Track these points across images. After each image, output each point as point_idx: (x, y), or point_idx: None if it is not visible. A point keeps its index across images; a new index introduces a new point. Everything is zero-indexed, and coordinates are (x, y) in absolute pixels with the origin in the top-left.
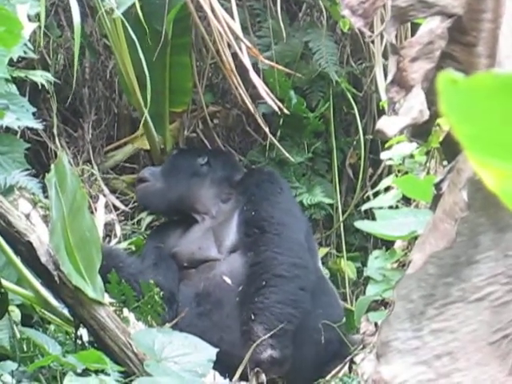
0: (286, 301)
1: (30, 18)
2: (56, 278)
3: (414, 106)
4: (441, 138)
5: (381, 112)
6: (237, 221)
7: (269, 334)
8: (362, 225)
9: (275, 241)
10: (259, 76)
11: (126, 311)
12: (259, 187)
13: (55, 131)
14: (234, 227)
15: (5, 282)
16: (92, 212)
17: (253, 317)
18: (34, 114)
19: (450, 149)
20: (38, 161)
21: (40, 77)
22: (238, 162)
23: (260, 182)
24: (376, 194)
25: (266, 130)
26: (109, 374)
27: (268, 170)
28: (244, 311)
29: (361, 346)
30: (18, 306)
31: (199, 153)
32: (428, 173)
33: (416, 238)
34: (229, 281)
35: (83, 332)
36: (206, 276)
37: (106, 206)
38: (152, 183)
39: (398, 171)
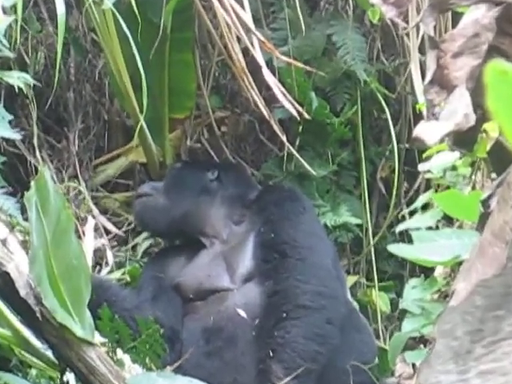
0: (310, 335)
1: (4, 11)
2: (38, 315)
3: (457, 110)
4: (488, 147)
5: (418, 117)
6: (252, 245)
7: (290, 376)
8: (397, 249)
9: (298, 267)
10: (274, 75)
11: (119, 352)
12: (279, 206)
13: (35, 142)
14: (248, 252)
15: None
16: (79, 236)
17: (271, 354)
18: (10, 122)
19: (500, 159)
20: (16, 177)
21: (17, 79)
22: (252, 178)
23: (279, 201)
24: (412, 213)
25: (283, 138)
26: None
27: (288, 187)
28: (261, 348)
29: None
30: None
31: (208, 166)
32: (473, 187)
33: (460, 263)
34: (243, 314)
35: (70, 377)
36: (217, 309)
37: (96, 229)
38: (154, 198)
39: (438, 186)
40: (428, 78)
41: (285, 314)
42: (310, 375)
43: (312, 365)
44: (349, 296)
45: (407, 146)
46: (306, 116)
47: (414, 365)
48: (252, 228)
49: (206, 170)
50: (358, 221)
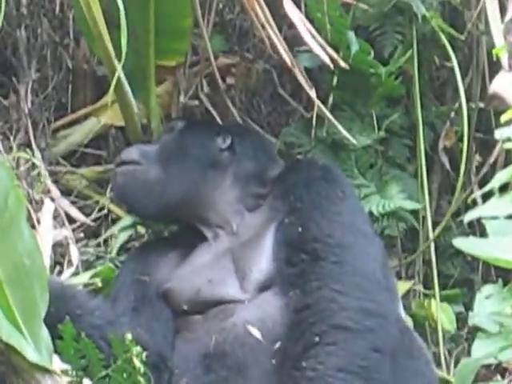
0: (350, 368)
1: None
2: None
3: None
4: None
5: (495, 65)
6: (272, 241)
7: None
8: (465, 244)
9: (334, 273)
10: (299, 8)
11: (87, 383)
12: (309, 189)
13: None
14: (266, 250)
15: None
16: (33, 226)
17: None
18: None
19: None
20: None
21: None
22: (274, 149)
23: (310, 182)
24: (487, 196)
25: (312, 94)
26: None
27: (322, 164)
28: (285, 382)
29: None
30: None
31: (217, 130)
32: None
33: None
34: (257, 334)
35: None
36: (220, 326)
37: (56, 216)
38: (143, 168)
39: None
40: (511, 12)
41: (317, 338)
42: None
43: None
44: (401, 310)
45: (480, 105)
46: (343, 64)
47: None
48: (272, 217)
49: (216, 135)
50: (414, 206)
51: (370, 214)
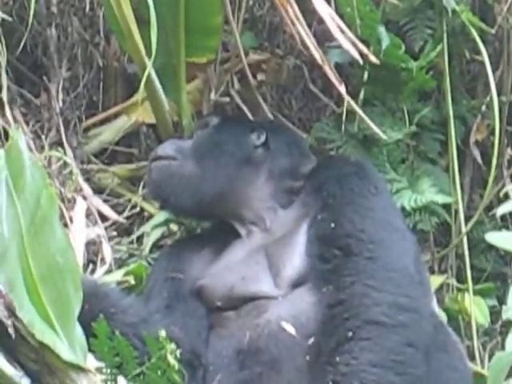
0: (385, 363)
1: None
2: (10, 331)
3: None
4: None
5: None
6: (305, 237)
7: None
8: (498, 238)
9: (368, 269)
10: (329, 4)
11: (121, 381)
12: (342, 185)
13: (4, 96)
14: (299, 247)
15: None
16: (66, 225)
17: None
18: None
19: None
20: None
21: None
22: (306, 145)
23: (342, 178)
24: None
25: (342, 89)
26: None
27: (354, 160)
28: (318, 378)
29: None
30: None
31: (251, 126)
32: None
33: None
34: (291, 330)
35: None
36: (254, 322)
37: (88, 214)
38: (179, 163)
39: None
40: None
41: (351, 333)
42: None
43: None
44: (434, 305)
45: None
46: (373, 59)
47: None
48: (305, 214)
49: (250, 132)
50: (446, 200)
51: (402, 208)
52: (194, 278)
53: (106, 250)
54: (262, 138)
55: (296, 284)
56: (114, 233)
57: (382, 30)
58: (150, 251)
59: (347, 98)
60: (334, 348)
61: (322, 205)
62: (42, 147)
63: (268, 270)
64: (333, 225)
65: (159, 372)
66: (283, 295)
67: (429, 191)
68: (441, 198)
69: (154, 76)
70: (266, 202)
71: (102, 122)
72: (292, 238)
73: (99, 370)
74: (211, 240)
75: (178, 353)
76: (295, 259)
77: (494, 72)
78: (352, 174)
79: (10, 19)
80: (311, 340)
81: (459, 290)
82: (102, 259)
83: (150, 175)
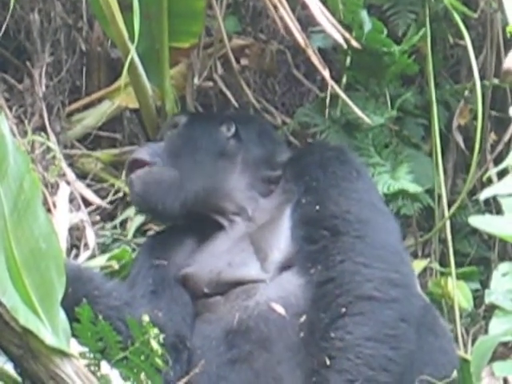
0: (379, 336)
1: None
2: None
3: None
4: None
5: (509, 43)
6: (289, 221)
7: None
8: (481, 222)
9: (356, 247)
10: None
11: (105, 366)
12: (325, 169)
13: None
14: (285, 231)
15: None
16: (49, 210)
17: (328, 362)
18: None
19: None
20: None
21: None
22: (278, 134)
23: (325, 162)
24: (502, 174)
25: (325, 74)
26: None
27: (335, 145)
28: (313, 354)
29: None
30: None
31: (220, 119)
32: None
33: None
34: (280, 309)
35: None
36: (243, 305)
37: (72, 199)
38: (157, 169)
39: None
40: None
41: (344, 309)
42: None
43: (384, 376)
44: (418, 288)
45: (495, 82)
46: (356, 44)
47: (505, 380)
48: (287, 199)
49: (219, 125)
50: (428, 185)
51: (383, 192)
52: (178, 266)
53: (90, 235)
54: (232, 130)
55: (283, 267)
56: (98, 218)
57: (364, 14)
58: (134, 236)
59: (331, 82)
60: (328, 324)
61: (304, 189)
62: (25, 132)
63: (254, 256)
64: (318, 207)
65: (143, 357)
66: (271, 278)
67: (404, 178)
68: (412, 187)
69: (137, 61)
70: (246, 193)
71: (86, 107)
72: (276, 223)
73: (83, 354)
74: (194, 229)
75: (161, 337)
76: (281, 243)
77: (477, 56)
78: (334, 159)
79: None
80: (303, 318)
81: (442, 274)
82: (86, 244)
83: (133, 188)
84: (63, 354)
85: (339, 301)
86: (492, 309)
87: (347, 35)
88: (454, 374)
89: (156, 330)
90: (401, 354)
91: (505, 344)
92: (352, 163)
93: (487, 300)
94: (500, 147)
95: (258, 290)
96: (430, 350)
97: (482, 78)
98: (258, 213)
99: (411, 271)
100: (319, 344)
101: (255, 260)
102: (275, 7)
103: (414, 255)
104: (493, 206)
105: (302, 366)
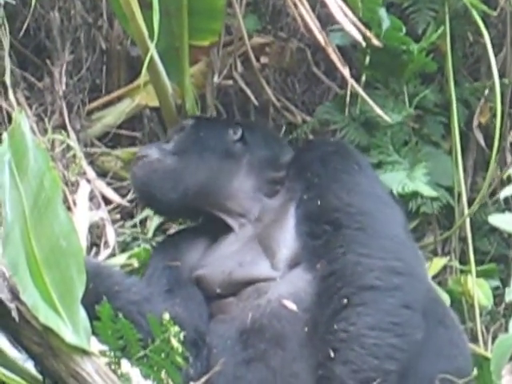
0: (382, 325)
1: None
2: (14, 314)
3: None
4: None
5: None
6: (294, 219)
7: (362, 381)
8: (501, 221)
9: (358, 238)
10: None
11: (125, 364)
12: (325, 164)
13: (8, 80)
14: (291, 229)
15: None
16: (69, 208)
17: (332, 354)
18: None
19: None
20: None
21: None
22: (283, 138)
23: (325, 157)
24: None
25: (345, 72)
26: None
27: (335, 141)
28: (318, 348)
29: None
30: None
31: (227, 124)
32: None
33: None
34: (292, 306)
35: None
36: (255, 303)
37: (92, 197)
38: (161, 159)
39: None
40: None
41: (345, 300)
42: (388, 378)
43: (389, 364)
44: (430, 281)
45: None
46: (375, 42)
47: None
48: (291, 198)
49: (226, 128)
50: (448, 183)
51: (404, 190)
52: (191, 268)
53: (110, 234)
54: (239, 133)
55: (292, 264)
56: (118, 216)
57: (382, 12)
58: (154, 234)
59: (351, 80)
60: (331, 317)
61: (306, 185)
62: (45, 130)
63: (264, 254)
64: (319, 202)
65: (163, 355)
66: (281, 276)
67: (420, 179)
68: (426, 190)
69: (157, 59)
70: (250, 194)
71: (106, 106)
72: (282, 221)
73: (103, 352)
74: (206, 232)
75: (181, 335)
76: (288, 240)
77: (496, 54)
78: (334, 154)
79: (13, 2)
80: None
81: (462, 271)
82: (106, 242)
83: (134, 176)
84: (83, 352)
85: (341, 293)
86: None
87: (367, 33)
88: (474, 371)
89: (176, 328)
90: (407, 340)
91: None
92: (353, 157)
93: (507, 298)
94: None
95: (269, 288)
96: (441, 343)
97: (501, 76)
98: (265, 213)
99: (416, 259)
100: (324, 337)
101: (265, 259)
102: (295, 5)
103: (434, 253)
104: None
105: (311, 360)
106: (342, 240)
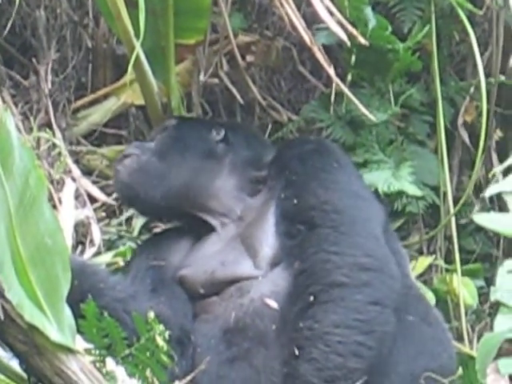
0: (348, 322)
1: None
2: None
3: None
4: None
5: None
6: (273, 217)
7: (325, 380)
8: (486, 220)
9: (330, 237)
10: None
11: (110, 362)
12: (304, 162)
13: None
14: (271, 227)
15: None
16: (55, 206)
17: (297, 352)
18: None
19: None
20: None
21: None
22: (267, 139)
23: (304, 155)
24: (507, 171)
25: (330, 71)
26: None
27: (315, 139)
28: (285, 345)
29: None
30: None
31: (210, 124)
32: None
33: None
34: (274, 304)
35: None
36: (238, 302)
37: (77, 196)
38: (143, 158)
39: None
40: None
41: (312, 298)
42: (352, 376)
43: (355, 362)
44: (411, 276)
45: (501, 78)
46: (361, 40)
47: (511, 377)
48: (271, 196)
49: (209, 128)
50: (434, 182)
51: (389, 189)
52: (175, 267)
53: (95, 232)
54: (222, 134)
55: (274, 263)
56: (103, 214)
57: (368, 11)
58: (139, 233)
59: (336, 79)
60: (298, 314)
61: (285, 183)
62: (31, 129)
63: (246, 254)
64: (296, 200)
65: (148, 353)
66: (263, 275)
67: (405, 179)
68: (411, 189)
69: (142, 57)
70: (233, 193)
71: (91, 104)
72: (263, 220)
73: (88, 351)
74: (190, 232)
75: (166, 334)
76: (269, 239)
77: (482, 53)
78: (313, 151)
79: None
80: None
81: (447, 271)
82: (91, 241)
83: (117, 176)
84: (69, 351)
85: (309, 290)
86: (497, 306)
87: (353, 31)
88: (458, 370)
89: (161, 327)
90: (373, 337)
91: (510, 341)
92: (332, 155)
93: (492, 297)
94: (506, 144)
95: (251, 287)
96: (424, 340)
97: (487, 75)
98: (247, 212)
99: (389, 255)
100: (289, 335)
101: (247, 258)
102: (281, 4)
103: (420, 252)
104: (497, 203)
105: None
106: (315, 239)
